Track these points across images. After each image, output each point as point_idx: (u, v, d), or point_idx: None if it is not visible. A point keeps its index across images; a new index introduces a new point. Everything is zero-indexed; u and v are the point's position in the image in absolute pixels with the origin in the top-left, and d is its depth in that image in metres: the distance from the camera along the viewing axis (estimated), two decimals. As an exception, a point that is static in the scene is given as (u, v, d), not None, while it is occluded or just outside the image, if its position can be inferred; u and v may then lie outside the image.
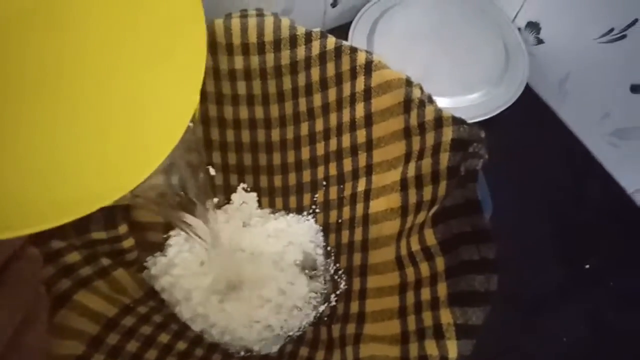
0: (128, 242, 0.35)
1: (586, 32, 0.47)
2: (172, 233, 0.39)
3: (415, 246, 0.30)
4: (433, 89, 0.35)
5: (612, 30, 0.44)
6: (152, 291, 0.36)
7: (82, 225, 0.31)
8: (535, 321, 0.40)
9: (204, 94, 0.38)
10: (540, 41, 0.52)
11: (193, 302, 0.36)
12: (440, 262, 0.28)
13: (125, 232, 0.34)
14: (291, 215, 0.41)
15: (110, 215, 0.32)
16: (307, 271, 0.38)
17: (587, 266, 0.43)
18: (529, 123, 0.51)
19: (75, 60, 0.19)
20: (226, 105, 0.38)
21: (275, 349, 0.34)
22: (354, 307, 0.33)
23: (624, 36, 0.44)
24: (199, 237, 0.31)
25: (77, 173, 0.18)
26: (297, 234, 0.39)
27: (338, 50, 0.35)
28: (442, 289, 0.27)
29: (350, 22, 0.54)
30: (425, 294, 0.28)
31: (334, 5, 0.54)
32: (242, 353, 0.34)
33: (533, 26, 0.52)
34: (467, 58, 0.52)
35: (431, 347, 0.25)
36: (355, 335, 0.30)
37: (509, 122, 0.49)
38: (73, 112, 0.18)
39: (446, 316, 0.25)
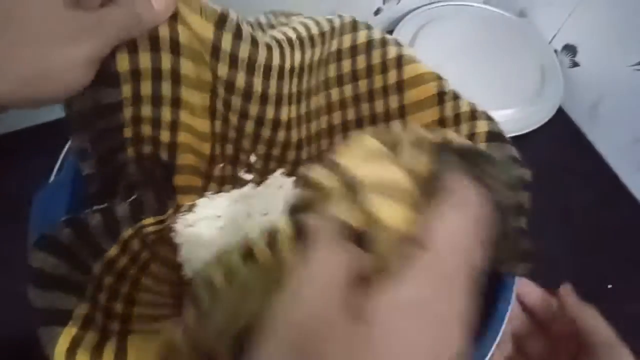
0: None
1: (623, 58, 0.48)
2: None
3: None
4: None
5: (649, 57, 0.45)
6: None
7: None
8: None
9: (264, 96, 0.35)
10: (575, 64, 0.53)
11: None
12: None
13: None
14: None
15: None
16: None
17: (610, 286, 0.43)
18: (558, 144, 0.52)
19: None
20: (283, 106, 0.37)
21: None
22: None
23: (661, 64, 0.44)
24: None
25: None
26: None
27: (369, 44, 0.36)
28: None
29: (391, 32, 0.55)
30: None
31: (376, 13, 0.56)
32: None
33: (570, 49, 0.53)
34: (503, 75, 0.53)
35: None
36: None
37: (538, 142, 0.50)
38: None
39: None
